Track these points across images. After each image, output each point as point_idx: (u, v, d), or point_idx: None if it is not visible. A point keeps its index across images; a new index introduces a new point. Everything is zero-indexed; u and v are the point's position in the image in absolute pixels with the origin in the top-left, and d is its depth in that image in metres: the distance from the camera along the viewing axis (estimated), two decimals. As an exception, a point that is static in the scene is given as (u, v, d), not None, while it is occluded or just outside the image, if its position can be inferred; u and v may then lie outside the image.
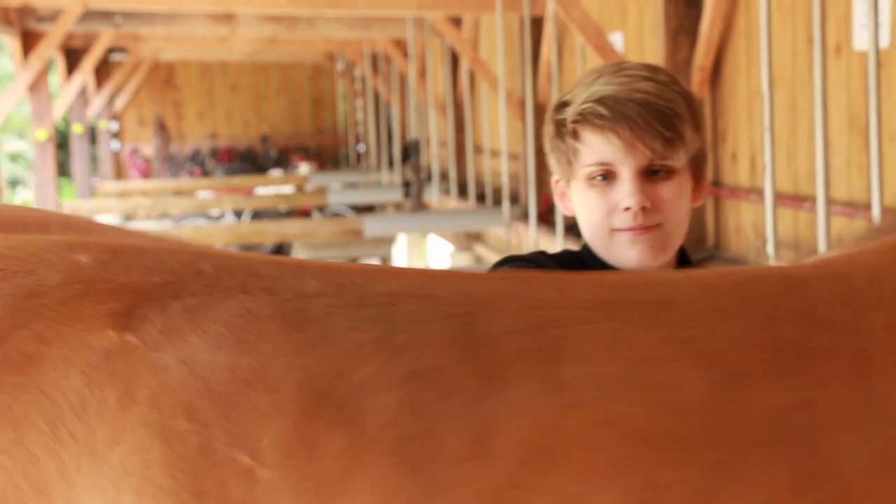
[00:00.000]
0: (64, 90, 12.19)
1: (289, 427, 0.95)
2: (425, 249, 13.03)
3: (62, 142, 17.87)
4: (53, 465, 0.94)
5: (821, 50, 3.92)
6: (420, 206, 9.73)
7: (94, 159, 16.66)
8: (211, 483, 0.94)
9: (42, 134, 10.69)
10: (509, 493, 0.95)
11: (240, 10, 9.55)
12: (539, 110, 8.27)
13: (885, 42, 4.45)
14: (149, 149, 18.77)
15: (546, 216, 7.68)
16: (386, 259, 13.48)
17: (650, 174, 1.69)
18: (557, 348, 1.01)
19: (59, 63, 13.28)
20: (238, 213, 14.39)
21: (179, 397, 0.96)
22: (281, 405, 0.95)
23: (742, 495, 0.98)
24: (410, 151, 11.33)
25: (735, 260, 5.86)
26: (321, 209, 14.23)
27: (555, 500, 0.96)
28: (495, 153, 9.59)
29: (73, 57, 13.12)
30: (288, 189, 14.16)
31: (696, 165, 1.75)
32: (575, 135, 1.72)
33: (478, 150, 10.45)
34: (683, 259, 1.79)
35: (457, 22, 10.34)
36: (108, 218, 14.52)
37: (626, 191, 1.68)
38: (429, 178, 11.05)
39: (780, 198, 4.85)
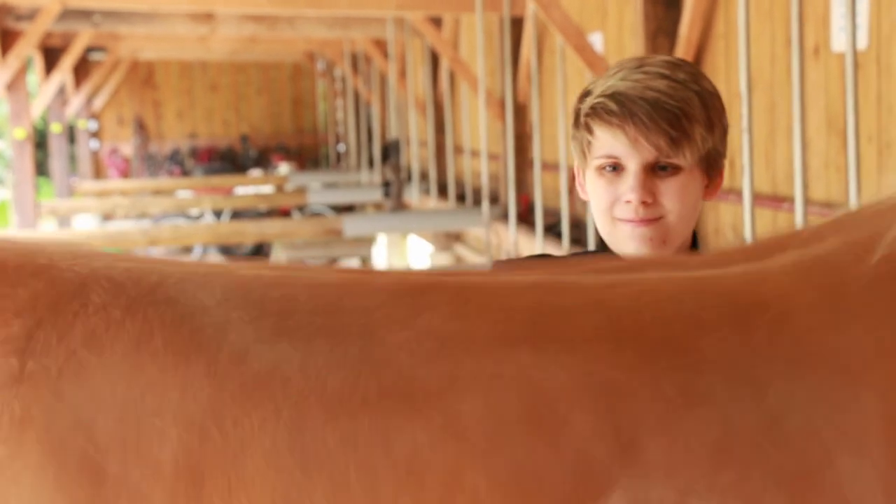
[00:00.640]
0: (42, 89, 12.13)
1: (174, 466, 0.93)
2: (405, 249, 13.02)
3: (40, 141, 17.79)
4: None
5: (799, 51, 3.93)
6: (400, 206, 9.72)
7: (72, 159, 16.59)
8: None
9: (20, 133, 10.64)
10: None
11: (219, 9, 9.53)
12: (519, 110, 8.28)
13: (862, 44, 4.47)
14: (128, 148, 18.71)
15: (526, 216, 7.69)
16: (366, 259, 13.47)
17: (657, 169, 1.75)
18: (453, 385, 0.97)
19: (38, 62, 13.22)
20: (217, 213, 14.35)
21: (76, 420, 0.94)
22: (166, 445, 0.93)
23: None
24: (390, 151, 11.31)
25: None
26: (301, 209, 14.21)
27: None
28: (475, 153, 9.59)
29: (51, 56, 13.06)
30: (268, 189, 14.14)
31: (709, 163, 1.78)
32: (588, 127, 1.81)
33: (458, 150, 10.45)
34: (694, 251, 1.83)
35: (437, 22, 10.34)
36: (87, 217, 14.47)
37: (629, 185, 1.75)
38: (409, 178, 11.05)
39: (758, 198, 4.86)
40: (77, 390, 0.95)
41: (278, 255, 12.99)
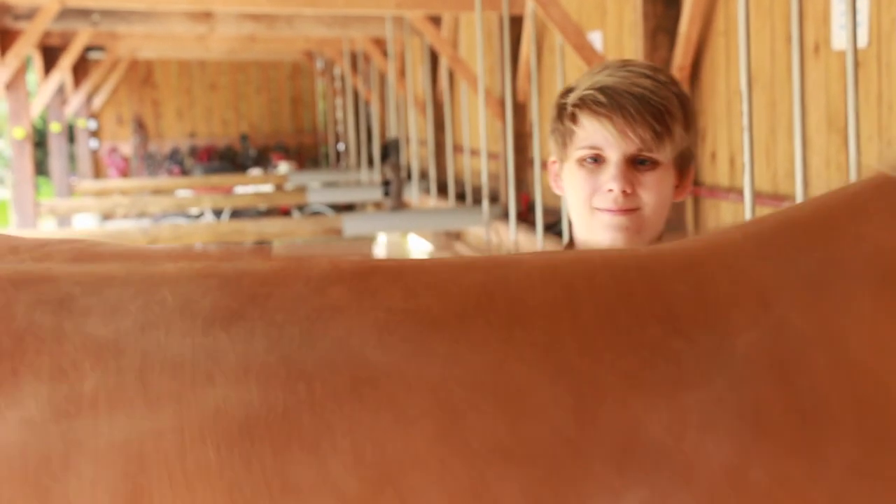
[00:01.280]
0: (41, 88, 12.12)
1: (110, 493, 0.92)
2: (405, 248, 13.02)
3: (40, 140, 17.78)
4: None
5: (799, 49, 3.93)
6: (400, 205, 9.71)
7: (72, 158, 16.58)
8: None
9: (19, 132, 10.63)
10: None
11: (218, 8, 9.52)
12: (518, 109, 8.27)
13: (863, 42, 4.46)
14: (127, 147, 18.70)
15: (526, 215, 7.68)
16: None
17: (637, 163, 1.84)
18: (401, 365, 0.94)
19: (37, 61, 13.21)
20: (217, 212, 14.34)
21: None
22: (102, 468, 0.92)
23: None
24: (390, 150, 11.30)
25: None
26: (301, 208, 14.20)
27: None
28: (475, 152, 9.58)
29: (50, 55, 13.05)
30: (267, 188, 14.13)
31: (682, 162, 1.89)
32: (573, 118, 1.88)
33: (457, 149, 10.45)
34: None
35: (436, 21, 10.33)
36: (87, 217, 14.46)
37: (611, 174, 1.83)
38: (408, 177, 11.04)
39: (759, 197, 4.85)
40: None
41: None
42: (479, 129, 8.31)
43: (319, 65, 17.89)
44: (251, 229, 8.31)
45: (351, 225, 8.30)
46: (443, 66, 10.56)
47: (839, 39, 4.63)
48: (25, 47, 9.84)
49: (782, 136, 5.14)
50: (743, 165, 4.27)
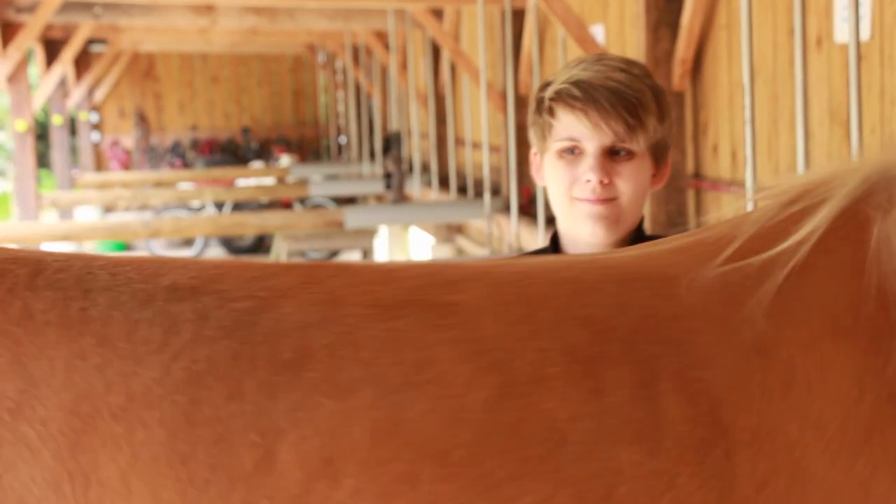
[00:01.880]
0: (43, 81, 12.12)
1: (57, 460, 0.91)
2: (407, 241, 13.02)
3: (42, 133, 17.78)
4: None
5: (802, 42, 3.92)
6: (401, 197, 9.72)
7: (74, 151, 16.59)
8: None
9: (21, 125, 10.63)
10: None
11: (220, 1, 9.52)
12: (520, 102, 8.26)
13: (865, 35, 4.46)
14: (129, 140, 18.69)
15: (528, 208, 7.68)
16: (368, 251, 13.46)
17: (613, 154, 1.91)
18: (341, 347, 0.98)
19: (39, 54, 13.20)
20: (219, 205, 14.34)
21: None
22: (47, 437, 0.91)
23: None
24: (392, 143, 11.30)
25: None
26: (302, 201, 14.20)
27: None
28: (476, 145, 9.58)
29: (52, 48, 13.04)
30: (269, 181, 14.13)
31: (658, 153, 1.96)
32: (551, 111, 1.94)
33: (459, 141, 10.44)
34: (639, 238, 1.96)
35: (438, 14, 10.32)
36: (88, 209, 14.47)
37: (588, 165, 1.90)
38: (410, 169, 11.04)
39: (761, 190, 4.84)
40: None
41: (280, 247, 12.99)
42: (480, 122, 8.31)
43: (321, 58, 17.88)
44: (253, 222, 8.31)
45: (352, 218, 8.30)
46: (445, 59, 10.54)
47: (841, 32, 4.63)
48: (27, 40, 9.83)
49: (784, 130, 5.14)
50: (745, 158, 4.27)
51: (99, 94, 17.93)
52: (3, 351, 0.95)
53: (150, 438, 0.92)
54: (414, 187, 10.52)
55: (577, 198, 1.91)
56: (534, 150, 2.03)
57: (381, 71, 13.58)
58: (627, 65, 1.94)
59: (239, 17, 11.03)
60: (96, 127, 17.91)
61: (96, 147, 17.73)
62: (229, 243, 15.47)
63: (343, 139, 16.29)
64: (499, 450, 0.96)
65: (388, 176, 9.88)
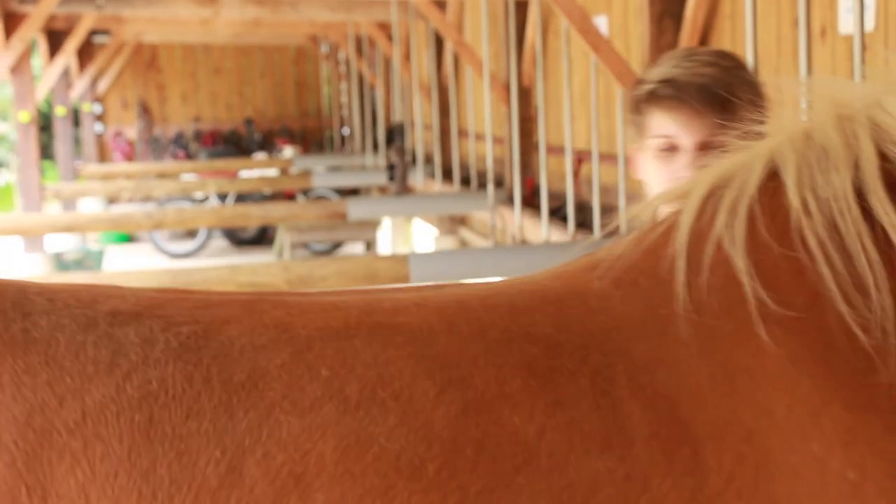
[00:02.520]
0: (46, 72, 12.12)
1: (12, 471, 0.90)
2: (410, 233, 13.02)
3: (45, 124, 17.77)
4: None
5: (806, 33, 3.91)
6: (404, 189, 9.71)
7: (77, 142, 16.59)
8: None
9: (25, 116, 10.63)
10: None
11: (223, -8, 9.51)
12: (523, 93, 8.25)
13: (870, 25, 4.45)
14: (132, 132, 18.69)
15: (531, 200, 7.68)
16: (371, 243, 13.46)
17: (708, 149, 1.93)
18: (296, 366, 0.98)
19: (42, 45, 13.19)
20: (222, 196, 14.34)
21: None
22: (1, 448, 0.91)
23: None
24: (395, 135, 11.30)
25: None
26: (305, 192, 14.19)
27: None
28: (480, 137, 9.57)
29: (55, 39, 13.03)
30: (272, 172, 14.12)
31: None
32: (645, 110, 2.01)
33: (462, 133, 10.43)
34: None
35: (441, 5, 10.31)
36: (92, 201, 14.47)
37: (682, 162, 1.95)
38: (413, 161, 11.03)
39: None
40: None
41: (283, 238, 12.99)
42: (483, 114, 8.30)
43: (324, 49, 17.86)
44: (256, 213, 8.31)
45: (355, 209, 8.30)
46: (448, 51, 10.53)
47: (846, 23, 4.62)
48: (30, 31, 9.83)
49: (788, 121, 5.13)
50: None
51: (102, 85, 17.93)
52: None
53: (109, 453, 0.92)
54: (417, 179, 10.52)
55: None
56: (635, 147, 2.09)
57: (384, 62, 13.56)
58: (718, 58, 1.97)
59: (242, 7, 11.02)
60: (99, 118, 17.91)
61: (99, 138, 17.72)
62: (232, 234, 15.47)
63: (346, 130, 16.28)
64: (471, 464, 0.96)
65: (391, 167, 9.87)
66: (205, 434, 0.94)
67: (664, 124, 1.95)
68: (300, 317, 1.05)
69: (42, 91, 11.40)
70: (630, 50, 6.56)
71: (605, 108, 6.83)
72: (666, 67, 1.97)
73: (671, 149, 1.95)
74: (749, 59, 4.17)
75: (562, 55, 6.55)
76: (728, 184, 1.18)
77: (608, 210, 6.60)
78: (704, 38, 5.77)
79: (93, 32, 14.39)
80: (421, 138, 10.64)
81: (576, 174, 6.65)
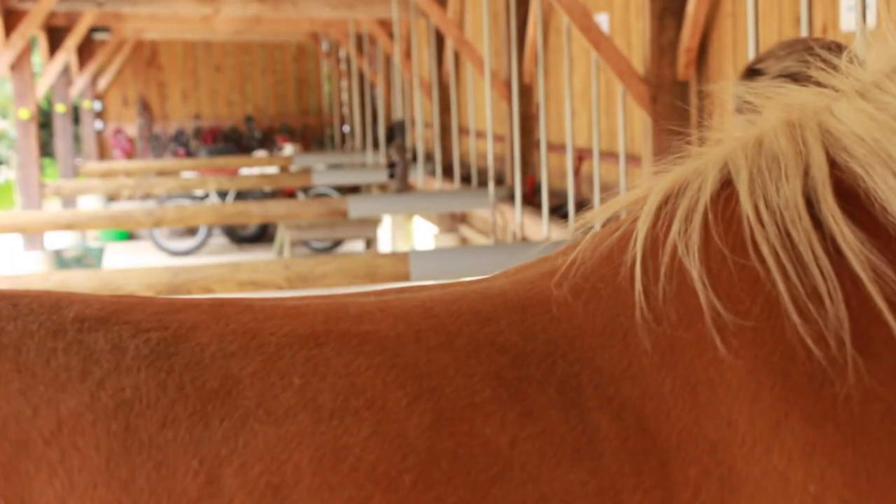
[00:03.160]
0: (46, 69, 12.11)
1: None
2: (410, 231, 13.01)
3: (45, 121, 17.76)
4: None
5: (808, 31, 3.91)
6: (405, 187, 9.71)
7: (77, 139, 16.57)
8: None
9: (25, 113, 10.62)
10: None
11: (224, -11, 9.50)
12: (524, 91, 8.25)
13: (871, 23, 4.44)
14: (132, 129, 18.68)
15: (531, 197, 7.67)
16: (371, 240, 13.45)
17: None
18: (268, 375, 0.97)
19: (42, 42, 13.18)
20: (222, 194, 14.33)
21: None
22: None
23: None
24: (395, 132, 11.29)
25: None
26: (305, 190, 14.19)
27: None
28: (480, 134, 9.56)
29: (55, 36, 13.02)
30: (272, 170, 14.12)
31: None
32: None
33: (463, 131, 10.42)
34: None
35: (442, 2, 10.30)
36: (92, 198, 14.46)
37: None
38: (414, 159, 11.02)
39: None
40: None
41: (283, 236, 12.99)
42: (484, 111, 8.29)
43: (325, 46, 17.85)
44: (256, 211, 8.31)
45: (356, 207, 8.29)
46: (449, 48, 10.51)
47: (847, 21, 4.61)
48: (30, 28, 9.82)
49: (789, 119, 5.12)
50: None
51: (102, 83, 17.91)
52: None
53: (87, 463, 0.91)
54: (417, 177, 10.51)
55: None
56: None
57: (384, 59, 13.55)
58: (836, 50, 1.95)
59: (242, 5, 11.01)
60: (99, 115, 17.90)
61: (99, 136, 17.71)
62: (232, 232, 15.46)
63: (346, 128, 16.27)
64: (446, 475, 0.96)
65: (391, 165, 9.86)
66: (182, 443, 0.93)
67: None
68: (267, 322, 1.04)
69: (42, 88, 11.39)
70: (631, 47, 6.55)
71: (605, 105, 6.82)
72: (788, 61, 1.90)
73: None
74: (751, 57, 4.16)
75: (563, 52, 6.54)
76: (683, 191, 1.17)
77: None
78: (706, 36, 5.76)
79: (93, 29, 14.37)
80: (421, 136, 10.64)
81: (576, 172, 6.64)
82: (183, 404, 0.95)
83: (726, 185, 1.16)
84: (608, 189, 6.77)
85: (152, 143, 18.46)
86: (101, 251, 12.62)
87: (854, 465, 0.99)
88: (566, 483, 0.97)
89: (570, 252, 1.18)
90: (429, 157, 11.29)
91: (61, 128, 14.24)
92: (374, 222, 13.20)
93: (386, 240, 13.83)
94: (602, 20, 7.07)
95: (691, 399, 1.02)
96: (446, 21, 9.12)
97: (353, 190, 15.12)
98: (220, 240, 15.78)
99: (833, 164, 1.13)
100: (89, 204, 14.61)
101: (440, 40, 10.99)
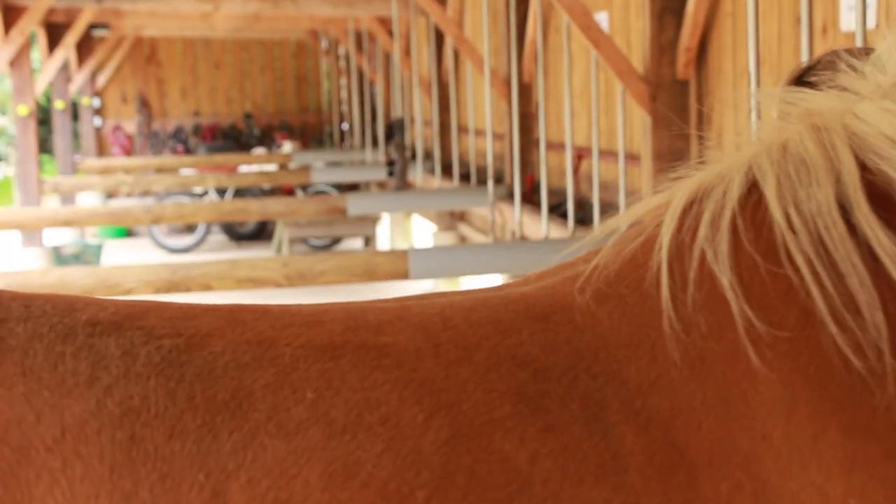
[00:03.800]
0: (46, 66, 12.10)
1: None
2: (409, 229, 13.01)
3: (44, 118, 17.76)
4: None
5: (808, 30, 3.90)
6: (404, 185, 9.70)
7: (76, 136, 16.56)
8: None
9: (24, 110, 10.61)
10: None
11: (223, -14, 9.50)
12: (524, 90, 8.24)
13: (871, 23, 4.43)
14: (131, 126, 18.67)
15: (530, 196, 7.67)
16: (370, 238, 13.45)
17: None
18: (280, 387, 0.96)
19: (41, 38, 13.18)
20: (221, 191, 14.33)
21: None
22: None
23: None
24: (394, 130, 11.28)
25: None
26: (304, 188, 14.18)
27: None
28: (480, 132, 9.56)
29: (54, 32, 13.01)
30: (271, 167, 14.11)
31: None
32: None
33: (462, 129, 10.42)
34: None
35: (441, 0, 10.29)
36: (90, 195, 14.45)
37: None
38: (413, 157, 11.02)
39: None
40: None
41: (282, 234, 12.98)
42: (484, 110, 8.29)
43: (324, 44, 17.85)
44: (255, 208, 8.30)
45: (355, 205, 8.29)
46: (448, 46, 10.51)
47: (848, 20, 4.61)
48: (30, 24, 9.81)
49: (789, 118, 5.12)
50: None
51: (101, 79, 17.90)
52: None
53: (90, 473, 0.89)
54: (417, 175, 10.51)
55: None
56: None
57: (384, 57, 13.55)
58: (865, 56, 1.94)
59: (242, 2, 11.00)
60: (98, 112, 17.89)
61: (98, 132, 17.70)
62: (231, 230, 15.46)
63: (346, 126, 16.27)
64: (462, 492, 0.94)
65: (390, 163, 9.86)
66: (188, 455, 0.91)
67: None
68: (283, 331, 1.02)
69: (41, 85, 11.38)
70: (631, 46, 6.55)
71: (605, 104, 6.82)
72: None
73: None
74: (750, 57, 4.16)
75: (562, 51, 6.54)
76: (707, 195, 1.14)
77: (608, 207, 6.58)
78: (705, 35, 5.76)
79: (92, 26, 14.37)
80: (421, 134, 10.63)
81: (576, 170, 6.64)
82: (192, 415, 0.93)
83: (752, 190, 1.13)
84: (607, 188, 6.77)
85: (151, 140, 18.46)
86: (99, 248, 12.61)
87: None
88: (589, 500, 0.95)
89: (593, 257, 1.15)
90: (428, 156, 11.29)
91: (60, 124, 14.23)
92: (372, 220, 13.21)
93: (385, 238, 13.83)
94: (602, 19, 7.07)
95: (724, 412, 1.00)
96: (446, 19, 9.12)
97: (352, 188, 15.12)
98: (218, 237, 15.78)
99: (863, 167, 1.10)
100: (88, 200, 14.60)
101: (440, 38, 10.98)
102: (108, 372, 0.94)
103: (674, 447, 0.99)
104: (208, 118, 19.18)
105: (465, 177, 9.75)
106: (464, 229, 10.92)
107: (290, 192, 14.48)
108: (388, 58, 13.33)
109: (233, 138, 18.64)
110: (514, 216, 7.04)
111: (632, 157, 6.24)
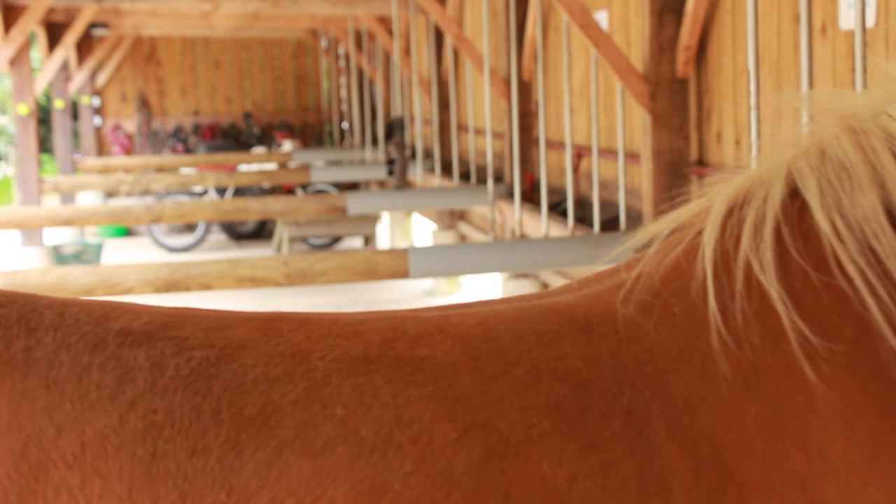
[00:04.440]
0: (45, 65, 12.10)
1: None
2: (409, 228, 13.01)
3: (44, 117, 17.75)
4: None
5: (807, 29, 3.90)
6: (404, 184, 9.70)
7: (75, 135, 16.56)
8: None
9: (23, 109, 10.61)
10: None
11: (223, -15, 9.49)
12: (523, 88, 8.24)
13: (871, 21, 4.44)
14: (131, 125, 18.67)
15: (530, 195, 7.67)
16: (370, 237, 13.45)
17: None
18: (310, 403, 0.93)
19: (41, 37, 13.17)
20: (221, 190, 14.32)
21: None
22: None
23: None
24: (394, 129, 11.27)
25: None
26: (304, 186, 14.18)
27: None
28: (479, 131, 9.55)
29: (54, 31, 13.01)
30: (271, 166, 14.11)
31: None
32: None
33: (462, 128, 10.42)
34: None
35: (441, -1, 10.29)
36: (90, 194, 14.45)
37: None
38: (413, 156, 11.02)
39: (764, 177, 4.82)
40: None
41: (282, 233, 12.98)
42: (483, 109, 8.29)
43: (324, 43, 17.84)
44: (255, 207, 8.30)
45: (355, 203, 8.29)
46: (448, 45, 10.51)
47: (847, 19, 4.61)
48: (30, 23, 9.81)
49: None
50: (749, 145, 4.26)
51: (101, 79, 17.90)
52: None
53: (108, 491, 0.88)
54: (416, 173, 10.51)
55: None
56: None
57: (383, 56, 13.54)
58: None
59: (241, 1, 11.00)
60: (98, 111, 17.88)
61: (98, 131, 17.70)
62: (231, 229, 15.45)
63: (345, 125, 16.26)
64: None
65: (390, 162, 9.85)
66: (210, 473, 0.89)
67: None
68: (319, 343, 0.99)
69: (41, 84, 11.38)
70: (630, 45, 6.55)
71: (605, 103, 6.82)
72: None
73: None
74: (750, 55, 4.16)
75: (562, 50, 6.54)
76: (748, 202, 1.10)
77: (608, 205, 6.59)
78: (705, 33, 5.76)
79: (92, 25, 14.36)
80: (420, 133, 10.63)
81: (575, 169, 6.64)
82: (216, 431, 0.91)
83: (793, 196, 1.09)
84: (607, 186, 6.77)
85: (151, 140, 18.45)
86: (99, 247, 12.61)
87: None
88: None
89: (635, 265, 1.11)
90: (428, 154, 11.28)
91: (60, 124, 14.23)
92: (372, 219, 13.20)
93: (385, 237, 13.83)
94: (601, 17, 7.07)
95: (778, 429, 0.95)
96: (446, 18, 9.12)
97: (352, 187, 15.12)
98: (218, 236, 15.78)
99: None
100: (88, 200, 14.60)
101: (439, 37, 10.98)
102: (133, 385, 0.92)
103: (723, 467, 0.95)
104: (208, 117, 19.17)
105: (464, 175, 9.74)
106: (464, 228, 10.92)
107: (289, 191, 14.48)
108: (387, 57, 13.33)
109: (232, 137, 18.64)
110: (514, 215, 7.04)
111: (631, 156, 6.25)
